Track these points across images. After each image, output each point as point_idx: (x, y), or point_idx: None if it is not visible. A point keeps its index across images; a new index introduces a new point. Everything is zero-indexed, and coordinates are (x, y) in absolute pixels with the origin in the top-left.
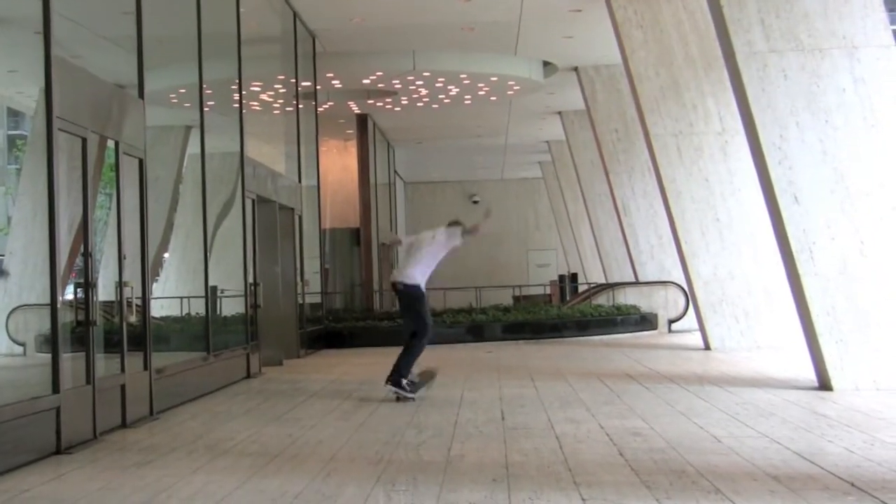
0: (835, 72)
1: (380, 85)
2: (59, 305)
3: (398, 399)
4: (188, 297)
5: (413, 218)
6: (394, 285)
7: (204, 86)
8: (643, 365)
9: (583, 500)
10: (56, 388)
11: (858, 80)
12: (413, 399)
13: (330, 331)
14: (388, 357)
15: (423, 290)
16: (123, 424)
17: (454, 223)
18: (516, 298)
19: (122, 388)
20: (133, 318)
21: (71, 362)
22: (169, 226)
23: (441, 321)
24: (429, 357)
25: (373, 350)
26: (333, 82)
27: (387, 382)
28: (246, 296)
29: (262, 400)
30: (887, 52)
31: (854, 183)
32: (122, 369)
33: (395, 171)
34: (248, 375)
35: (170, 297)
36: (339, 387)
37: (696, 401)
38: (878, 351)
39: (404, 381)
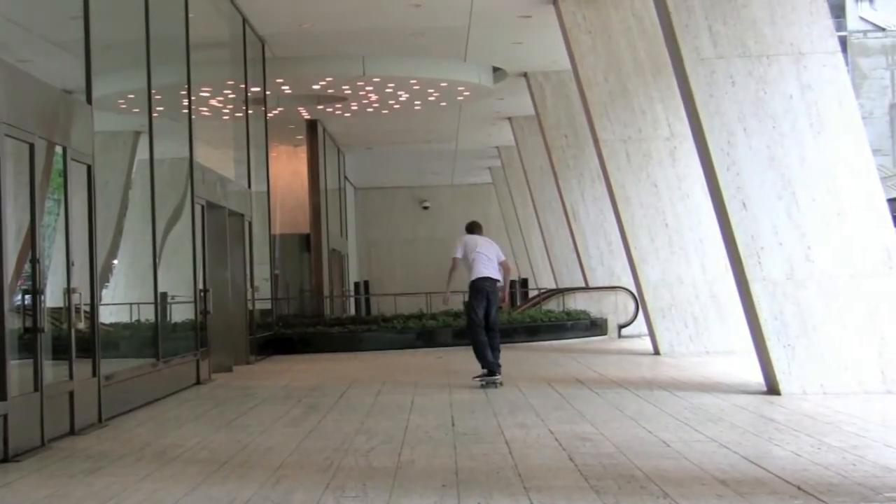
0: (782, 78)
1: (329, 90)
2: (5, 312)
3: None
4: (137, 304)
5: (364, 223)
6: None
7: (153, 91)
8: (593, 370)
9: None
10: (3, 395)
11: (805, 87)
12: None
13: (280, 337)
14: (338, 363)
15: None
16: (72, 431)
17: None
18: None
19: (71, 394)
20: (81, 325)
21: (18, 369)
22: (118, 231)
23: (391, 326)
24: (379, 362)
25: (323, 356)
26: (283, 87)
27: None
28: (196, 302)
29: (211, 406)
30: (833, 59)
31: (801, 188)
32: (71, 376)
33: (346, 177)
34: (198, 381)
35: (119, 303)
36: (289, 393)
37: (645, 405)
38: (824, 355)
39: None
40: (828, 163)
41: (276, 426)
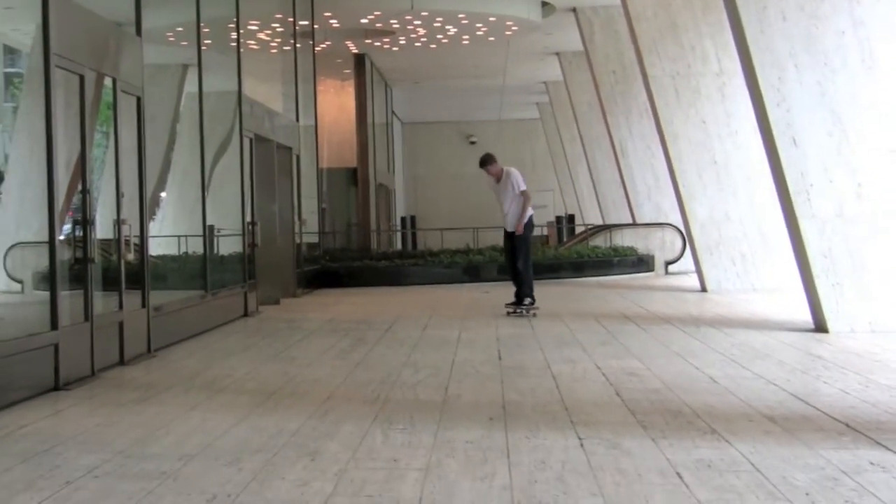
0: (834, 13)
1: (378, 25)
2: (56, 243)
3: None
4: (185, 236)
5: (411, 158)
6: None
7: (201, 24)
8: (640, 306)
9: (579, 439)
10: (54, 324)
11: (858, 23)
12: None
13: (327, 270)
14: (385, 297)
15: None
16: (121, 362)
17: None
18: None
19: (120, 325)
20: (131, 256)
21: (69, 300)
22: (166, 164)
23: (438, 261)
24: (425, 296)
25: (369, 290)
26: (331, 21)
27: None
28: (244, 235)
29: (259, 338)
30: None
31: (851, 126)
32: (121, 307)
33: (393, 112)
34: (246, 314)
35: (167, 235)
36: (336, 326)
37: (692, 342)
38: (873, 293)
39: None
40: (879, 99)
41: (323, 358)
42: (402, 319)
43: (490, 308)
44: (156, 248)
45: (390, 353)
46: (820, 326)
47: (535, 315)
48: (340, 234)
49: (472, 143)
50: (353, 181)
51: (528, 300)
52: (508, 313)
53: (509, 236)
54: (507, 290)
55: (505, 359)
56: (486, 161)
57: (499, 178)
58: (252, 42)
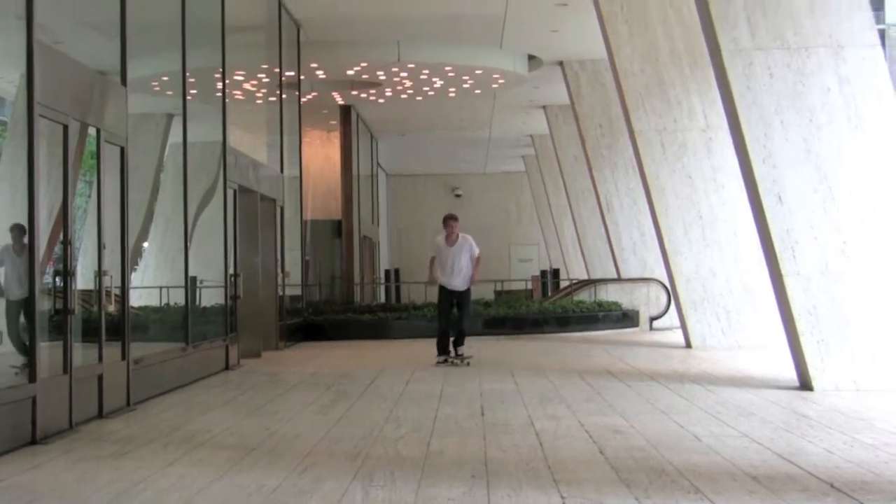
0: (820, 71)
1: (364, 76)
2: (37, 294)
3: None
4: (167, 287)
5: (395, 210)
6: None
7: (187, 73)
8: (624, 362)
9: (562, 497)
10: (32, 377)
11: (843, 80)
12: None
13: (310, 323)
14: (368, 350)
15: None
16: (100, 415)
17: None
18: (498, 293)
19: (100, 378)
20: (111, 308)
21: (48, 351)
22: (149, 215)
23: (422, 314)
24: (408, 350)
25: (353, 343)
26: (317, 72)
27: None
28: (226, 286)
29: (239, 392)
30: (872, 52)
31: (837, 183)
32: (100, 359)
33: (378, 164)
34: (227, 367)
35: (149, 286)
36: (318, 380)
37: (676, 399)
38: (858, 351)
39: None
40: (865, 157)
41: (304, 413)
42: (385, 373)
43: (474, 363)
44: (137, 298)
45: (372, 408)
46: (805, 384)
47: (468, 363)
48: (324, 287)
49: (458, 195)
50: (337, 233)
51: (462, 348)
52: (439, 363)
53: (452, 294)
54: (491, 345)
55: (488, 414)
56: (455, 218)
57: (454, 239)
58: (238, 92)
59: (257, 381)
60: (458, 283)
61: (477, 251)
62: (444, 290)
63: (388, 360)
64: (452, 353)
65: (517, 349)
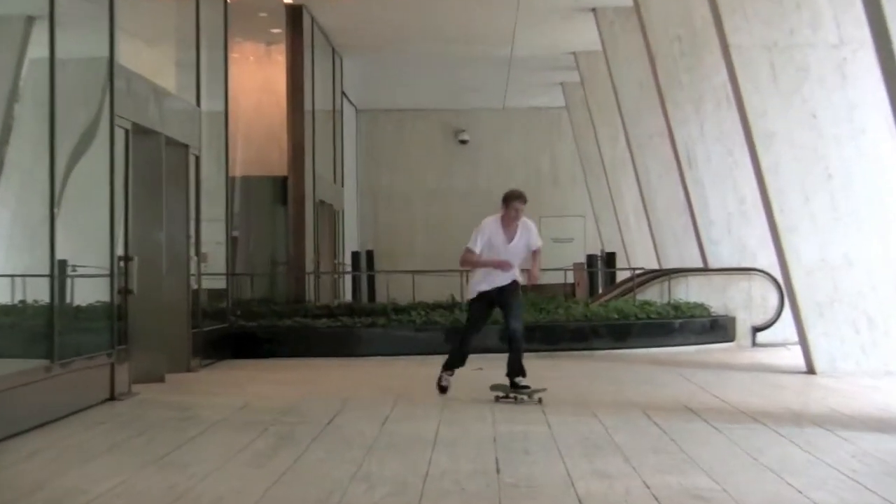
0: None
1: None
2: None
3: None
4: (23, 276)
5: (370, 164)
6: None
7: None
8: (712, 394)
9: None
10: None
11: None
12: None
13: (239, 332)
14: (326, 373)
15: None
16: None
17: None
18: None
19: None
20: None
21: None
22: None
23: (408, 321)
24: (387, 373)
25: (303, 362)
26: None
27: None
28: (112, 276)
29: (133, 433)
30: None
31: None
32: None
33: (344, 94)
34: (113, 396)
35: None
36: (251, 416)
37: (791, 450)
38: None
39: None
40: None
41: (230, 466)
42: (351, 407)
43: (484, 391)
44: None
45: (332, 459)
46: None
47: (540, 400)
48: (261, 278)
49: (463, 142)
50: (281, 197)
51: (522, 378)
52: (499, 398)
53: (493, 292)
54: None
55: (506, 471)
56: (524, 199)
57: (515, 228)
58: None
59: (159, 416)
60: (504, 278)
61: (539, 243)
62: (482, 294)
63: (356, 387)
64: (506, 386)
65: (550, 373)
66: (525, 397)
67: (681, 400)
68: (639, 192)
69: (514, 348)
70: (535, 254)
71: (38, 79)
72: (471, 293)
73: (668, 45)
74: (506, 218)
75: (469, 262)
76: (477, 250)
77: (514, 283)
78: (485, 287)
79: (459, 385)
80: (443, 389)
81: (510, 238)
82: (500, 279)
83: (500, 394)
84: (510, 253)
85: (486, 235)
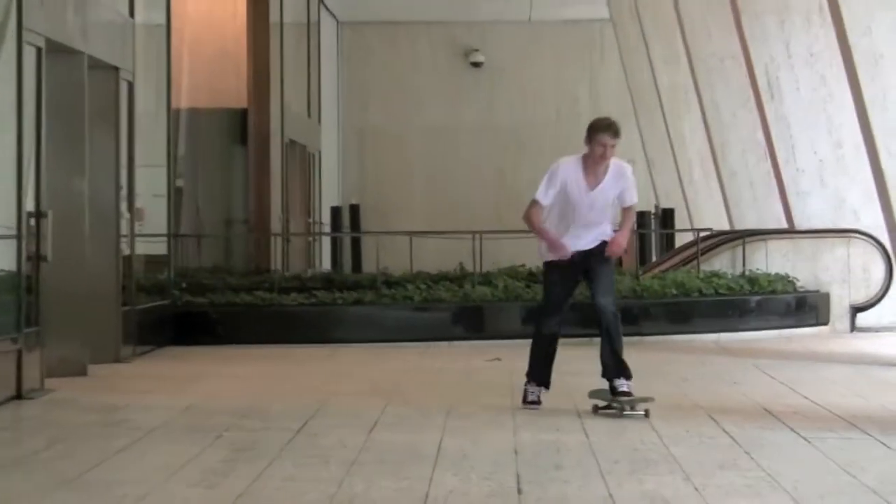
0: None
1: None
2: None
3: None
4: None
5: (354, 94)
6: None
7: None
8: (799, 393)
9: None
10: None
11: None
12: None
13: (184, 311)
14: (296, 365)
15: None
16: None
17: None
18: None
19: None
20: None
21: None
22: None
23: (403, 297)
24: (375, 365)
25: (267, 350)
26: None
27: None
28: (19, 238)
29: (44, 443)
30: None
31: None
32: None
33: (321, 2)
34: (20, 394)
35: None
36: (199, 421)
37: None
38: None
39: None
40: None
41: (170, 486)
42: (329, 409)
43: (503, 391)
44: None
45: (304, 478)
46: None
47: (646, 413)
48: (213, 242)
49: (476, 64)
50: (239, 136)
51: (624, 381)
52: (598, 410)
53: (576, 261)
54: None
55: (530, 492)
56: (616, 132)
57: (602, 171)
58: None
59: (79, 421)
60: (589, 239)
61: (634, 198)
62: (560, 260)
63: (336, 383)
64: (607, 391)
65: (587, 366)
66: (626, 408)
67: (758, 401)
68: (705, 131)
69: (606, 335)
70: (626, 212)
71: None
72: (544, 255)
73: None
74: (589, 158)
75: (529, 222)
76: (545, 203)
77: (605, 244)
78: (565, 242)
79: (469, 382)
80: (530, 405)
81: (594, 185)
82: (585, 240)
83: (600, 403)
84: (594, 206)
85: (560, 182)
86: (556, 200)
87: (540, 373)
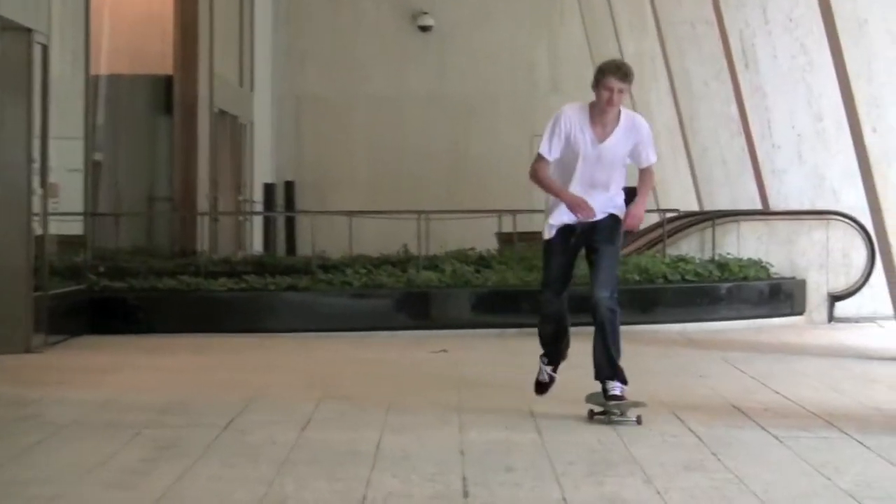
0: None
1: None
2: None
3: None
4: None
5: (291, 58)
6: None
7: None
8: (771, 388)
9: None
10: None
11: None
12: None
13: (102, 297)
14: (225, 355)
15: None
16: None
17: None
18: (505, 237)
19: None
20: None
21: None
22: None
23: (342, 283)
24: (311, 357)
25: (193, 340)
26: None
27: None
28: None
29: None
30: None
31: None
32: None
33: None
34: None
35: None
36: (118, 416)
37: (881, 468)
38: None
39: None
40: None
41: (85, 487)
42: (258, 405)
43: (449, 385)
44: None
45: (231, 478)
46: None
47: (639, 420)
48: (134, 221)
49: (424, 28)
50: (163, 105)
51: (617, 384)
52: (594, 416)
53: (578, 232)
54: (489, 346)
55: (477, 495)
56: (626, 75)
57: (613, 120)
58: None
59: None
60: (595, 206)
61: (653, 157)
62: (563, 229)
63: (266, 376)
64: (600, 401)
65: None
66: (616, 414)
67: (727, 397)
68: (674, 103)
69: (600, 332)
70: (643, 174)
71: None
72: (546, 229)
73: None
74: (596, 106)
75: (538, 180)
76: (551, 157)
77: (612, 217)
78: (564, 219)
79: (412, 375)
80: (539, 387)
81: (602, 137)
82: (595, 209)
83: (596, 408)
84: (601, 160)
85: (565, 131)
86: (562, 154)
87: (550, 350)
